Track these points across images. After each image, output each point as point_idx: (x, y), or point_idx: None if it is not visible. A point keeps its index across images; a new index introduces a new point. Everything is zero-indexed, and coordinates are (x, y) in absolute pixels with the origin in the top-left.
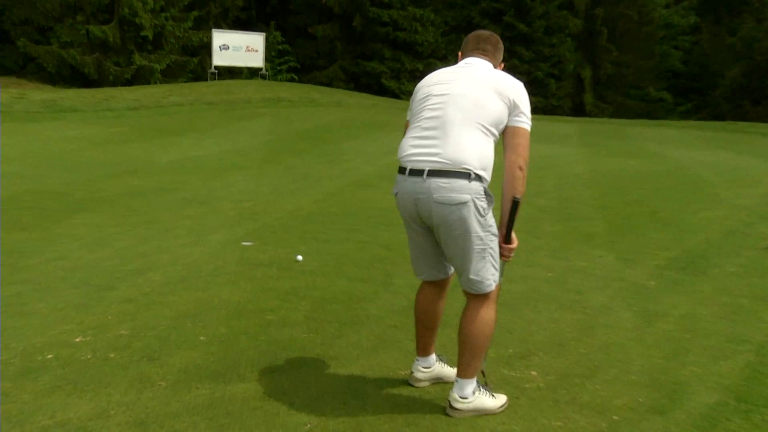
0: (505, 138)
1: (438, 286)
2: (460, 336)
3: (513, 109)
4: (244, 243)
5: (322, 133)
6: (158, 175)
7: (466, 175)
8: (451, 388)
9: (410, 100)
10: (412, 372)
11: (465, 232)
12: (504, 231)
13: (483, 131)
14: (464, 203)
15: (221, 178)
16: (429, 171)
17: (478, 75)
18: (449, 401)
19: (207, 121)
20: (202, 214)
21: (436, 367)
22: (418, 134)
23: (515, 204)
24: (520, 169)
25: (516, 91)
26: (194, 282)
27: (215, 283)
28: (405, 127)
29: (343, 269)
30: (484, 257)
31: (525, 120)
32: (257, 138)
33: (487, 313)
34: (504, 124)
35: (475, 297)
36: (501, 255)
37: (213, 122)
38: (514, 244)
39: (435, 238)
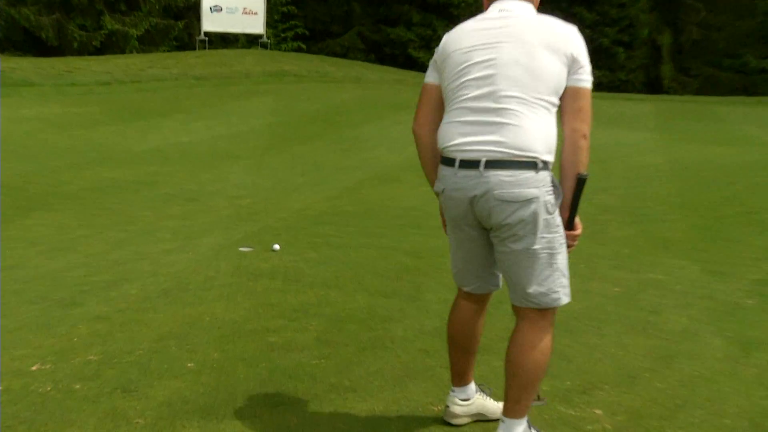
0: (563, 101)
1: (479, 300)
2: (510, 366)
3: (572, 65)
4: (241, 249)
5: (337, 114)
6: (135, 166)
7: (532, 164)
8: (496, 428)
9: (432, 63)
10: (447, 406)
11: (530, 234)
12: (566, 215)
13: (544, 106)
14: (532, 200)
15: (213, 169)
16: (487, 162)
17: (523, 29)
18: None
19: (195, 100)
20: (189, 213)
21: (476, 399)
22: (465, 117)
23: (580, 182)
24: (584, 137)
25: (572, 41)
26: (180, 296)
27: (206, 297)
28: (423, 95)
29: (363, 281)
30: (551, 264)
31: (586, 77)
32: (257, 120)
33: (545, 338)
34: (563, 87)
35: (530, 318)
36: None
37: (202, 101)
38: (578, 230)
39: (488, 241)
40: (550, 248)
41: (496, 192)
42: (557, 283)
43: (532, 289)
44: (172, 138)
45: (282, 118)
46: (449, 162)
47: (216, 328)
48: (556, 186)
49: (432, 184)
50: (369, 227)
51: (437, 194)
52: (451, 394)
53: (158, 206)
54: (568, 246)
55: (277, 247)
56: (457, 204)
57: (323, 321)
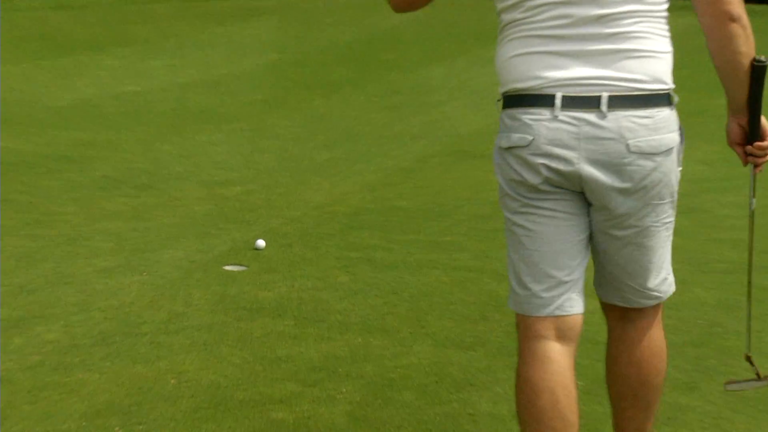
0: None
1: (568, 335)
2: (630, 381)
3: None
4: (227, 267)
5: (382, 49)
6: (53, 131)
7: (665, 97)
8: None
9: None
10: None
11: (664, 201)
12: (746, 119)
13: (663, 16)
14: (672, 149)
15: (180, 137)
16: (611, 98)
17: None
18: None
19: (151, 25)
20: (142, 209)
21: None
22: (554, 47)
23: (759, 69)
24: (736, 21)
25: None
26: (128, 345)
27: (171, 347)
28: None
29: (425, 323)
30: (669, 238)
31: None
32: (253, 59)
33: (663, 337)
34: None
35: (648, 314)
36: (748, 162)
37: (163, 27)
38: None
39: (584, 221)
40: (672, 216)
41: (632, 142)
42: (669, 264)
43: (653, 281)
44: (112, 86)
45: (293, 56)
46: (540, 101)
47: (187, 396)
48: (681, 126)
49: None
50: (435, 233)
51: (507, 151)
52: None
53: (90, 197)
54: (758, 163)
55: (261, 244)
56: (548, 163)
57: (361, 387)
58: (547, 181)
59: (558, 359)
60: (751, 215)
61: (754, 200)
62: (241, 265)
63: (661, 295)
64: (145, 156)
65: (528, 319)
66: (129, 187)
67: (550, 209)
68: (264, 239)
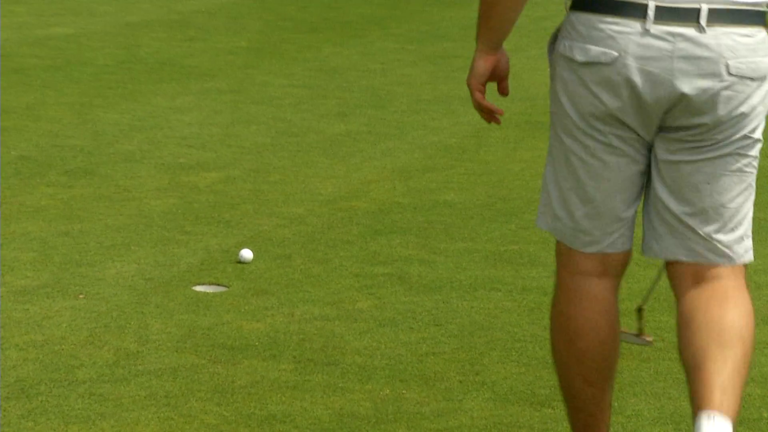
0: None
1: (614, 271)
2: (690, 344)
3: None
4: (198, 288)
5: None
6: None
7: (762, 15)
8: None
9: None
10: None
11: (750, 133)
12: None
13: None
14: (767, 77)
15: (131, 100)
16: (711, 11)
17: None
18: None
19: None
20: (77, 203)
21: None
22: None
23: None
24: None
25: None
26: (55, 399)
27: (118, 400)
28: None
29: (482, 368)
30: (749, 191)
31: None
32: None
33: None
34: None
35: (723, 275)
36: None
37: None
38: None
39: (646, 157)
40: (754, 170)
41: (731, 62)
42: (749, 226)
43: (725, 233)
44: (32, 28)
45: None
46: (629, 10)
47: None
48: None
49: (497, 36)
50: (496, 241)
51: (578, 64)
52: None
53: (2, 188)
54: None
55: (247, 256)
56: (637, 86)
57: None
58: (626, 106)
59: (604, 297)
60: None
61: None
62: (218, 284)
63: (733, 255)
64: (81, 128)
65: (573, 253)
66: (57, 173)
67: (618, 141)
68: (251, 248)
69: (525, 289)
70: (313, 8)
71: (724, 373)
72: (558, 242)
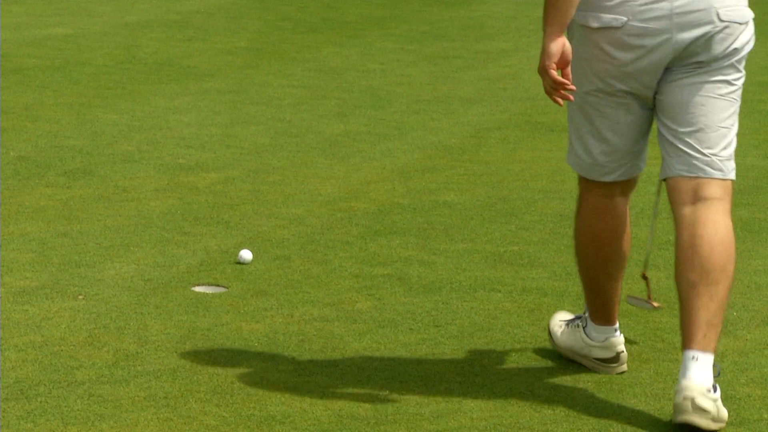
0: None
1: (624, 191)
2: (696, 268)
3: None
4: (197, 288)
5: None
6: None
7: None
8: (680, 371)
9: None
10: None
11: (737, 64)
12: None
13: None
14: (749, 22)
15: (130, 100)
16: None
17: None
18: (692, 398)
19: None
20: (76, 203)
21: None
22: None
23: None
24: None
25: None
26: (54, 400)
27: (117, 401)
28: None
29: (482, 369)
30: (736, 115)
31: None
32: None
33: (732, 229)
34: None
35: (715, 197)
36: None
37: None
38: None
39: (651, 99)
40: (738, 98)
41: (721, 11)
42: (734, 148)
43: (720, 148)
44: (31, 29)
45: None
46: None
47: None
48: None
49: (564, 17)
50: (496, 241)
51: (592, 30)
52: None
53: (1, 189)
54: None
55: (246, 257)
56: (645, 41)
57: None
58: (636, 61)
59: (622, 211)
60: None
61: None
62: (218, 285)
63: (725, 170)
64: (80, 129)
65: (592, 182)
66: (56, 174)
67: (629, 97)
68: (250, 249)
69: (525, 290)
70: (312, 8)
71: (710, 309)
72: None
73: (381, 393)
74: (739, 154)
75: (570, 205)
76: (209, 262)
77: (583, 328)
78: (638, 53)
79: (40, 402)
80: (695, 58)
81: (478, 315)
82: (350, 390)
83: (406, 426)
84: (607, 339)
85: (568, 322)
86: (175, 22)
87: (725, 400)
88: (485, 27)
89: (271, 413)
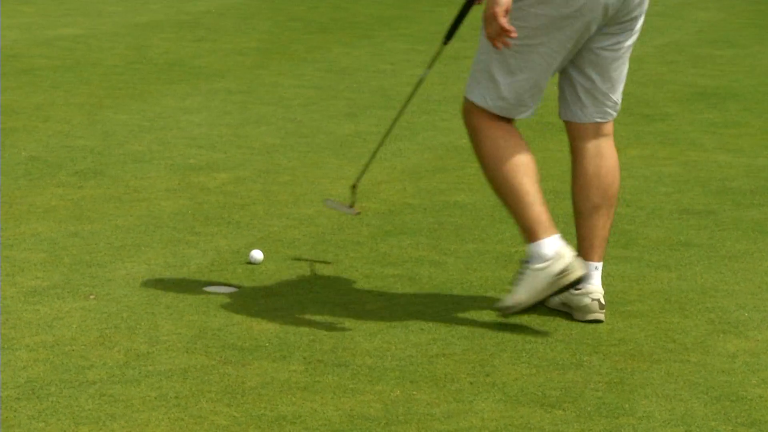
0: None
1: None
2: (591, 193)
3: None
4: (208, 288)
5: None
6: None
7: None
8: (584, 279)
9: None
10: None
11: (639, 27)
12: None
13: None
14: None
15: (141, 100)
16: None
17: None
18: (599, 299)
19: None
20: (87, 203)
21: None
22: None
23: None
24: None
25: None
26: (65, 400)
27: (128, 401)
28: None
29: (493, 369)
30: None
31: None
32: None
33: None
34: None
35: (610, 133)
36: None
37: None
38: None
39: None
40: None
41: None
42: None
43: (619, 94)
44: (42, 29)
45: None
46: None
47: None
48: None
49: None
50: (508, 242)
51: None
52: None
53: (12, 189)
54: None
55: (257, 257)
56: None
57: None
58: (583, 11)
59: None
60: (419, 82)
61: (428, 70)
62: (228, 285)
63: (617, 110)
64: (90, 129)
65: (506, 120)
66: (67, 174)
67: (570, 43)
68: (261, 249)
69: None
70: (322, 9)
71: (606, 227)
72: (489, 111)
73: (392, 393)
74: (750, 155)
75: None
76: (220, 262)
77: (530, 263)
78: (585, 8)
79: (52, 402)
80: (631, 15)
81: (488, 315)
82: (361, 390)
83: (417, 426)
84: (557, 249)
85: (515, 280)
86: (185, 22)
87: (736, 400)
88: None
89: (282, 413)
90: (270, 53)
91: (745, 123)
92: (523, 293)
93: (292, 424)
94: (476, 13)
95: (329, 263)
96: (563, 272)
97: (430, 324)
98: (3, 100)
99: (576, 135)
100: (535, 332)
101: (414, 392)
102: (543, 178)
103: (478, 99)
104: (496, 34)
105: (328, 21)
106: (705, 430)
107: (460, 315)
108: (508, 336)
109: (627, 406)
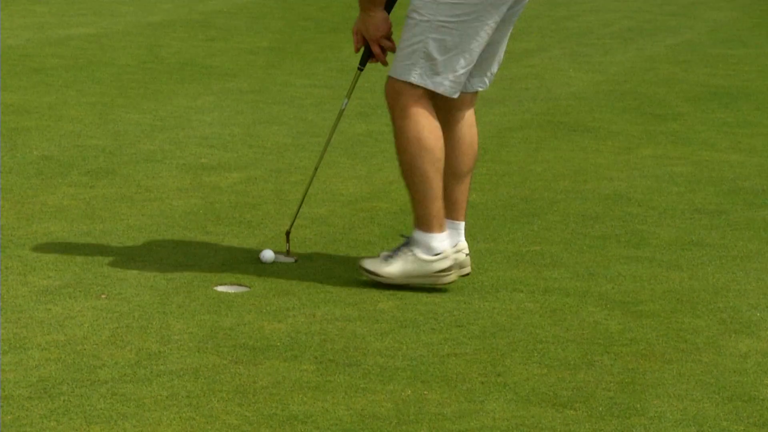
0: None
1: (465, 105)
2: (467, 160)
3: None
4: (219, 288)
5: None
6: None
7: None
8: (452, 237)
9: None
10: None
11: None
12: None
13: None
14: None
15: (153, 100)
16: None
17: None
18: (467, 251)
19: None
20: (99, 203)
21: None
22: None
23: None
24: None
25: None
26: (77, 399)
27: (140, 400)
28: None
29: (504, 369)
30: None
31: None
32: None
33: None
34: None
35: (474, 101)
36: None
37: None
38: None
39: None
40: None
41: None
42: None
43: (497, 66)
44: (54, 28)
45: None
46: None
47: None
48: None
49: None
50: (518, 242)
51: None
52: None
53: (24, 188)
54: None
55: (268, 256)
56: None
57: None
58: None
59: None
60: (340, 113)
61: (347, 101)
62: (240, 285)
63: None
64: (102, 128)
65: (426, 97)
66: (79, 173)
67: (499, 19)
68: (273, 248)
69: (547, 290)
70: (334, 8)
71: (468, 190)
72: (420, 91)
73: (403, 393)
74: (762, 154)
75: (592, 205)
76: (231, 261)
77: (417, 248)
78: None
79: (63, 401)
80: (516, 8)
81: (500, 315)
82: (372, 389)
83: (428, 426)
84: (445, 248)
85: (393, 253)
86: (197, 22)
87: (748, 401)
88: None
89: (293, 413)
90: (282, 53)
91: (758, 123)
92: (397, 272)
93: (303, 423)
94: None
95: (341, 263)
96: (443, 272)
97: (441, 324)
98: (15, 99)
99: (455, 104)
100: (546, 332)
101: (425, 392)
102: (555, 178)
103: (416, 79)
104: (381, 55)
105: (340, 20)
106: (717, 431)
107: (472, 315)
108: (519, 336)
109: (639, 406)
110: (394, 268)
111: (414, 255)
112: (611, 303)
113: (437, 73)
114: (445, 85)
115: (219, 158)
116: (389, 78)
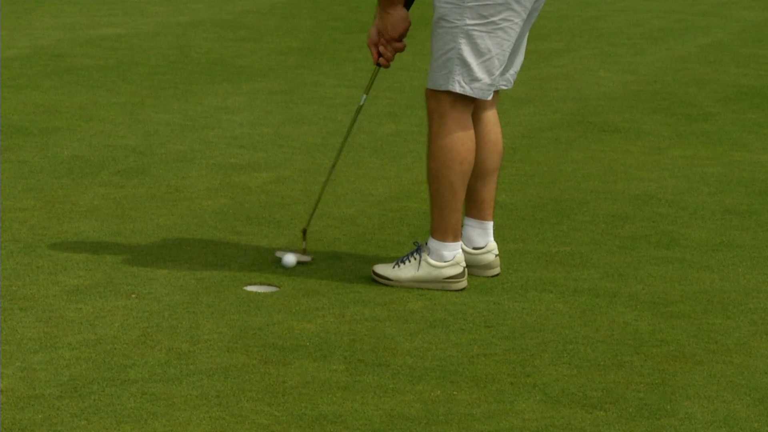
0: None
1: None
2: (493, 158)
3: None
4: (249, 288)
5: None
6: None
7: None
8: (480, 236)
9: None
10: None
11: None
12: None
13: None
14: None
15: (183, 100)
16: None
17: None
18: (496, 252)
19: None
20: (129, 202)
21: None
22: None
23: None
24: None
25: None
26: (107, 398)
27: (170, 400)
28: None
29: (533, 370)
30: None
31: None
32: None
33: None
34: None
35: (496, 101)
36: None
37: None
38: None
39: None
40: None
41: None
42: None
43: (519, 64)
44: (85, 28)
45: None
46: None
47: None
48: None
49: None
50: (548, 242)
51: None
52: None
53: (55, 188)
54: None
55: (290, 260)
56: None
57: None
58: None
59: (472, 125)
60: (358, 109)
61: (365, 96)
62: (269, 285)
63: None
64: (133, 128)
65: (464, 103)
66: (110, 173)
67: (525, 9)
68: (302, 248)
69: (577, 290)
70: (364, 8)
71: (495, 188)
72: (455, 98)
73: (432, 393)
74: None
75: (622, 206)
76: (261, 261)
77: (428, 255)
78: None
79: (94, 400)
80: (535, 8)
81: (529, 315)
82: (401, 390)
83: (458, 426)
84: (457, 256)
85: (405, 258)
86: (227, 22)
87: (761, 403)
88: (537, 27)
89: (323, 413)
90: (312, 53)
91: None
92: (407, 276)
93: (332, 423)
94: (420, 10)
95: (370, 263)
96: (453, 278)
97: (471, 324)
98: (46, 99)
99: (480, 104)
100: (576, 333)
101: (454, 392)
102: (584, 178)
103: (455, 87)
104: (391, 57)
105: (370, 20)
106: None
107: (501, 315)
108: (548, 336)
109: (669, 407)
110: (405, 273)
111: (427, 262)
112: (641, 304)
113: (475, 79)
114: (483, 89)
115: (249, 158)
116: (427, 90)
